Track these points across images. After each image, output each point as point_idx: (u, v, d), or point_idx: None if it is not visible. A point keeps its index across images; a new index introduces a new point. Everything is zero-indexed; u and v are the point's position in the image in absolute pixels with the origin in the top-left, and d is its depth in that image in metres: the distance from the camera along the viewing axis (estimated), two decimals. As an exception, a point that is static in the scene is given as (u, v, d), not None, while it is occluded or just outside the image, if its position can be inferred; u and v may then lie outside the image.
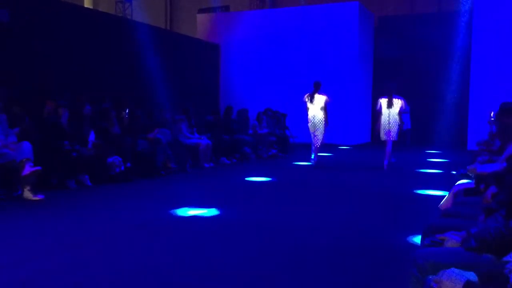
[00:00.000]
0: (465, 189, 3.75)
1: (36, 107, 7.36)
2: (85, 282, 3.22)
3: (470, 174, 3.98)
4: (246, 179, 8.16)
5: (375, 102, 17.42)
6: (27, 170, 5.85)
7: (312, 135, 9.83)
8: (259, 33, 16.64)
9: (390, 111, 9.40)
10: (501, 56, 13.37)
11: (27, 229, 4.74)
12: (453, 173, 7.37)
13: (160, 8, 20.35)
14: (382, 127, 9.56)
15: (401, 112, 9.48)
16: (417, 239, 4.24)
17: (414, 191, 6.97)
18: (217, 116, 11.49)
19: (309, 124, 9.79)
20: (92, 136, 7.48)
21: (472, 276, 1.66)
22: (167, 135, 8.85)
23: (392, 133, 9.45)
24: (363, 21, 16.28)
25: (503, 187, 2.73)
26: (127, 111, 8.89)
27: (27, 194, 5.90)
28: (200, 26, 17.84)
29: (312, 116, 9.70)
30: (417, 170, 9.58)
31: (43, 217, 5.24)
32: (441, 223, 2.68)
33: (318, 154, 10.03)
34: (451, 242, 2.22)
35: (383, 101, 9.53)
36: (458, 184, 4.01)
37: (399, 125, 9.47)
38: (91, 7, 18.98)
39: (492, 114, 9.95)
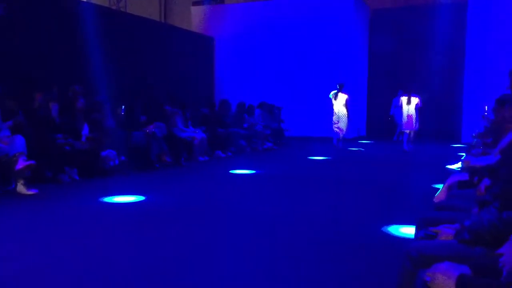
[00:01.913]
0: (459, 181, 3.76)
1: (26, 100, 7.30)
2: (79, 275, 3.21)
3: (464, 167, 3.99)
4: (235, 171, 8.17)
5: (370, 96, 17.48)
6: (21, 164, 5.81)
7: (335, 126, 12.34)
8: (253, 25, 16.57)
9: (409, 107, 11.43)
10: (496, 49, 13.38)
11: (21, 223, 4.72)
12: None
13: (154, 1, 20.23)
14: (403, 119, 11.64)
15: (417, 108, 11.40)
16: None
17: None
18: (212, 109, 11.46)
19: (334, 117, 12.31)
20: (85, 130, 7.44)
21: (465, 269, 1.66)
22: (162, 128, 8.82)
23: (412, 126, 11.46)
24: (358, 13, 16.24)
25: (497, 180, 2.73)
26: (122, 107, 8.84)
27: (21, 188, 5.88)
28: (194, 18, 17.74)
29: (337, 111, 12.27)
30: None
31: (37, 211, 5.22)
32: (435, 216, 2.68)
33: (339, 140, 12.49)
34: (445, 235, 2.22)
35: (404, 99, 11.62)
36: (452, 177, 4.01)
37: (414, 118, 11.40)
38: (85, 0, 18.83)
39: (486, 108, 9.99)
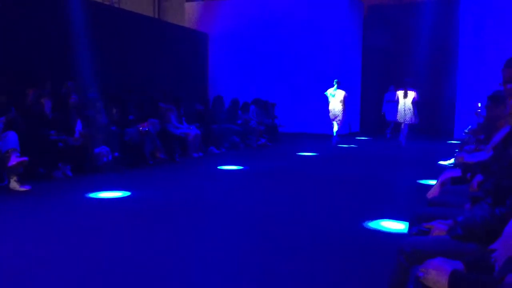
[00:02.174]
0: (452, 177, 3.78)
1: (18, 96, 7.25)
2: (74, 272, 3.21)
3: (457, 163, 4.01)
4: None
5: (364, 92, 17.49)
6: (14, 160, 5.78)
7: (332, 122, 12.41)
8: (247, 21, 16.54)
9: (405, 101, 11.64)
10: (489, 46, 13.43)
11: (14, 220, 4.70)
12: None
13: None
14: (398, 113, 11.81)
15: (414, 102, 11.62)
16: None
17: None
18: (206, 106, 11.43)
19: (330, 114, 12.37)
20: (79, 126, 7.41)
21: (458, 264, 1.67)
22: (156, 124, 8.80)
23: (407, 118, 11.69)
24: (352, 10, 16.25)
25: (489, 176, 2.75)
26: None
27: (14, 184, 5.85)
28: (188, 15, 17.68)
29: (332, 108, 12.29)
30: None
31: (30, 207, 5.20)
32: (428, 212, 2.69)
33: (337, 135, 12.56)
34: (438, 230, 2.23)
35: (400, 93, 11.78)
36: (445, 173, 4.03)
37: (411, 112, 11.65)
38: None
39: (479, 105, 10.05)
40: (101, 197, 5.69)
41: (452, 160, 7.70)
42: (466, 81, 14.13)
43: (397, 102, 11.95)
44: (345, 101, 12.38)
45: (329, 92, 12.37)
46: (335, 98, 12.28)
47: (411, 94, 11.61)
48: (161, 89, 11.03)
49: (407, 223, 4.22)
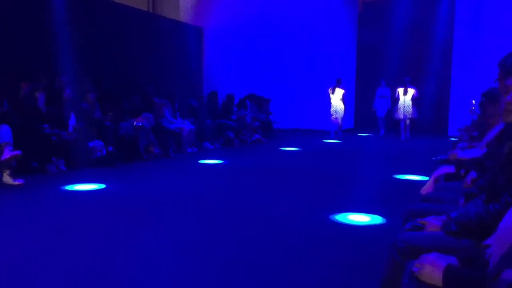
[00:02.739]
0: (445, 174, 3.80)
1: (12, 90, 7.20)
2: (67, 266, 3.20)
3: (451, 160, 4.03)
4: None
5: (358, 88, 17.49)
6: (7, 154, 5.75)
7: (333, 118, 13.35)
8: (242, 16, 16.48)
9: (405, 97, 12.44)
10: (484, 43, 13.47)
11: (8, 214, 4.68)
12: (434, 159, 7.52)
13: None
14: (399, 109, 12.59)
15: (414, 98, 12.46)
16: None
17: (394, 176, 7.05)
18: (200, 101, 11.40)
19: (332, 110, 13.30)
20: (72, 120, 7.38)
21: (452, 260, 1.69)
22: (150, 119, 8.77)
23: (407, 114, 12.50)
24: (347, 6, 16.24)
25: (483, 173, 2.77)
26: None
27: (7, 178, 5.82)
28: (183, 8, 17.59)
29: (334, 104, 13.27)
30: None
31: (23, 201, 5.18)
32: (422, 208, 2.71)
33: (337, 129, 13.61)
34: (432, 226, 2.24)
35: (400, 90, 12.56)
36: (439, 169, 4.06)
37: (410, 107, 12.49)
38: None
39: (474, 102, 10.11)
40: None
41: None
42: (461, 78, 14.17)
43: (397, 99, 12.67)
44: (344, 99, 13.37)
45: (330, 90, 13.43)
46: (335, 96, 13.26)
47: (411, 91, 12.43)
48: (154, 83, 10.98)
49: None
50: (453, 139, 12.71)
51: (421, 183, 6.05)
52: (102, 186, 5.96)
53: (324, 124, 15.35)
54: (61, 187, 5.81)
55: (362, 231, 4.20)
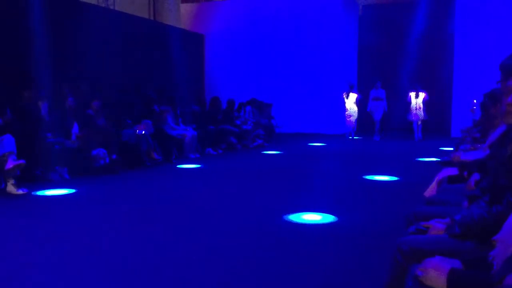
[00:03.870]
0: (449, 176, 3.79)
1: (15, 98, 7.22)
2: (71, 275, 3.20)
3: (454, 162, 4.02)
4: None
5: (360, 92, 17.49)
6: (10, 163, 5.76)
7: (348, 119, 14.06)
8: (243, 22, 16.53)
9: (417, 100, 13.52)
10: (485, 44, 13.45)
11: (11, 223, 4.69)
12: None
13: (143, -2, 20.07)
14: (411, 112, 13.64)
15: (425, 101, 13.51)
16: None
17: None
18: (202, 107, 11.42)
19: (346, 112, 14.04)
20: (75, 128, 7.40)
21: (456, 263, 1.68)
22: (149, 126, 8.79)
23: (419, 116, 13.56)
24: (347, 10, 16.26)
25: (486, 174, 2.75)
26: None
27: (11, 188, 5.83)
28: (184, 16, 17.66)
29: (349, 108, 14.00)
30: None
31: (27, 210, 5.19)
32: (426, 211, 2.70)
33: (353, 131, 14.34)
34: (436, 229, 2.23)
35: (412, 94, 13.62)
36: (442, 172, 4.04)
37: (422, 110, 13.53)
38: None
39: (475, 102, 10.10)
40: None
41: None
42: (462, 79, 14.15)
43: (409, 102, 13.66)
44: (357, 103, 14.01)
45: (344, 94, 14.09)
46: (349, 100, 13.98)
47: (422, 95, 13.45)
48: (157, 90, 10.99)
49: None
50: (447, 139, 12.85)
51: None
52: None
53: (327, 128, 15.36)
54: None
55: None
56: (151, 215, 5.00)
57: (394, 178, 7.06)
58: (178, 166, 8.53)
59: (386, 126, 14.61)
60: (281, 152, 10.77)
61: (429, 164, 8.41)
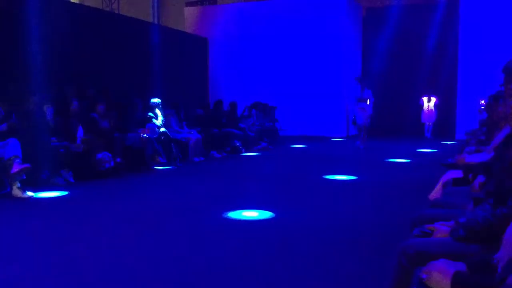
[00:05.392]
0: (453, 179, 3.78)
1: (20, 103, 7.26)
2: (75, 280, 3.21)
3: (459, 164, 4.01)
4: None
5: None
6: (16, 167, 5.79)
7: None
8: (247, 26, 16.56)
9: (429, 104, 14.92)
10: (489, 47, 13.42)
11: (17, 227, 4.70)
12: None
13: (147, 2, 20.16)
14: (423, 115, 15.03)
15: (436, 105, 14.87)
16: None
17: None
18: (206, 110, 11.43)
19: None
20: (80, 132, 7.42)
21: (461, 266, 1.68)
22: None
23: (431, 119, 14.92)
24: (351, 13, 16.26)
25: (491, 177, 2.75)
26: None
27: (16, 191, 5.85)
28: (188, 19, 17.72)
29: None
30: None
31: (32, 215, 5.21)
32: (430, 213, 2.70)
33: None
34: (440, 232, 2.23)
35: (425, 98, 14.95)
36: (447, 174, 4.04)
37: (434, 113, 14.90)
38: (77, 1, 18.78)
39: (482, 102, 10.09)
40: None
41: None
42: (467, 82, 14.13)
43: (422, 105, 14.93)
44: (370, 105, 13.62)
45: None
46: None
47: (433, 99, 14.81)
48: (161, 93, 11.02)
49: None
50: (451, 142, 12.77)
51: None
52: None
53: (330, 131, 15.35)
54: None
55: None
56: (156, 218, 5.00)
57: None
58: (182, 169, 8.53)
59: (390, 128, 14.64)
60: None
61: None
